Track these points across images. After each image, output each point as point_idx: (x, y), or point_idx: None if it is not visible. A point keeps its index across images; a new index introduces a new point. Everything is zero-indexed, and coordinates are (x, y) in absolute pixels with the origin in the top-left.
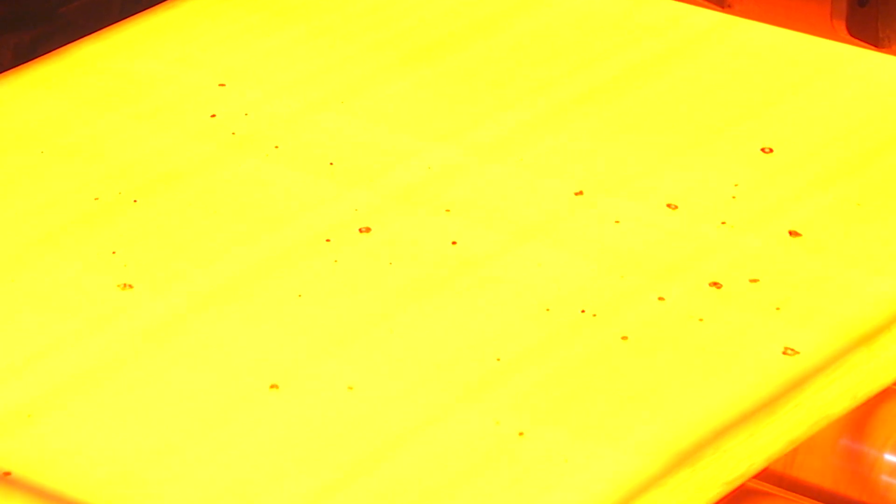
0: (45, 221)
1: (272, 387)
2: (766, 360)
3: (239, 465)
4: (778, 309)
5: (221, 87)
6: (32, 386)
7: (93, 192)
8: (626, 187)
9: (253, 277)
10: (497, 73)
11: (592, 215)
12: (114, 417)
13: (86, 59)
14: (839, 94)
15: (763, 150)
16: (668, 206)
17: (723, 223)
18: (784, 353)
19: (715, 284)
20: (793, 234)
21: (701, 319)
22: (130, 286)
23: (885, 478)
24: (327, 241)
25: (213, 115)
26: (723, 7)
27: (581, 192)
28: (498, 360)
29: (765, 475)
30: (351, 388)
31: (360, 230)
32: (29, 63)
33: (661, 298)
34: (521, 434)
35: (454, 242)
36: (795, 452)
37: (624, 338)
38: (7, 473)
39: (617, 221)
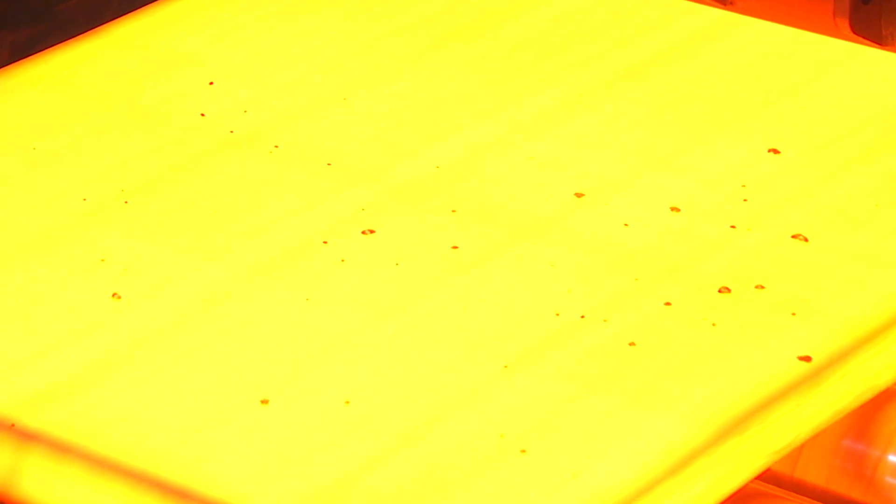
0: (36, 222)
1: (263, 402)
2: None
3: (239, 464)
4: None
5: (220, 86)
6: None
7: (82, 192)
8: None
9: (253, 277)
10: (500, 70)
11: (597, 215)
12: (118, 414)
13: (83, 56)
14: (842, 92)
15: (770, 150)
16: (672, 209)
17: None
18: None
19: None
20: (795, 237)
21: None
22: (119, 296)
23: (888, 479)
24: (324, 242)
25: (202, 115)
26: (725, 5)
27: (581, 195)
28: (505, 367)
29: (768, 476)
30: (354, 391)
31: (363, 232)
32: (24, 60)
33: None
34: (523, 451)
35: (455, 247)
36: (798, 453)
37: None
38: None
39: (625, 224)
